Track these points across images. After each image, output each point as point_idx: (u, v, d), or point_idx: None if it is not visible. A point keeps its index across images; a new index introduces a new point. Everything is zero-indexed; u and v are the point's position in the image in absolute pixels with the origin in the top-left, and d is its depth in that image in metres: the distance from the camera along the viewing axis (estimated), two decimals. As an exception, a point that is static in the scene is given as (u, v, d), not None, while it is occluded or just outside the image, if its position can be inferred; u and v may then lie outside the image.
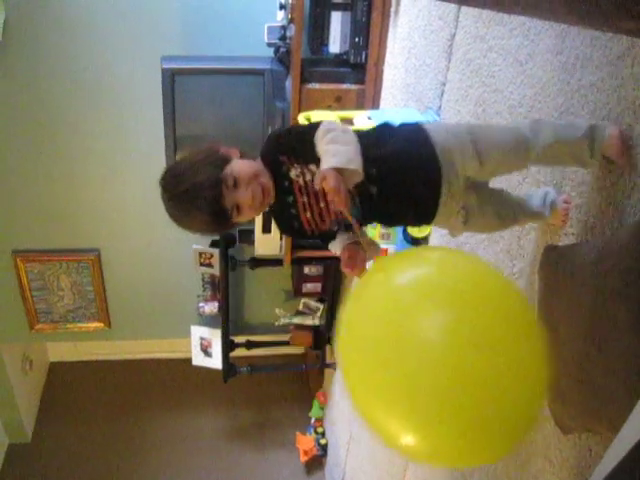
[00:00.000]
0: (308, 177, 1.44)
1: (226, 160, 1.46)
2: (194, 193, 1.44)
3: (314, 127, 1.41)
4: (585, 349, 1.25)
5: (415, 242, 2.82)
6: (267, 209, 1.53)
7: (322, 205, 1.47)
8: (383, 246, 2.88)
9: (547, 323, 1.40)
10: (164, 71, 3.35)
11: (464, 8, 2.28)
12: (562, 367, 1.32)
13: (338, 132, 1.35)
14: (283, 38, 3.41)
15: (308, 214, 1.49)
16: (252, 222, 3.98)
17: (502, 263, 1.97)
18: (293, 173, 1.45)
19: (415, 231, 2.77)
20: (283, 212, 1.52)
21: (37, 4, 3.55)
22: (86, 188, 4.19)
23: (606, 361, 1.19)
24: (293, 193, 1.48)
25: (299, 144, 1.44)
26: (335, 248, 1.53)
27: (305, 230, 1.52)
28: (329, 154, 1.30)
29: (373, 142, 1.44)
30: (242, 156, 1.50)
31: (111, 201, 4.26)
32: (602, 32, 1.42)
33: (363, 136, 1.43)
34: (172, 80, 3.38)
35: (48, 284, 4.52)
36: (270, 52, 3.53)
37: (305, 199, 1.47)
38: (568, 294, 1.31)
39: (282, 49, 3.47)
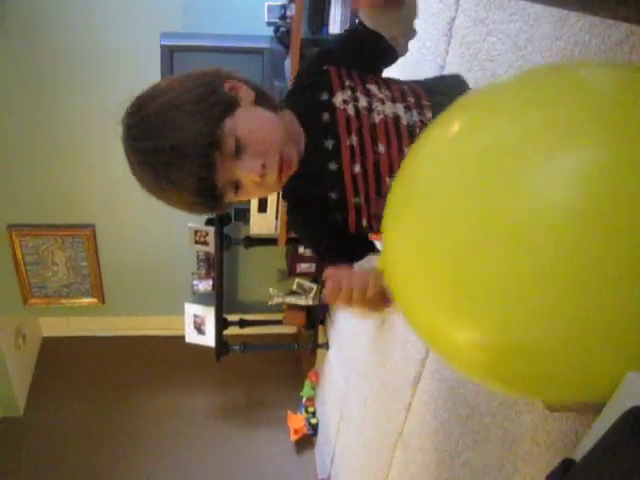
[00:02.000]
0: (363, 103, 1.04)
1: (230, 106, 0.99)
2: (171, 159, 0.97)
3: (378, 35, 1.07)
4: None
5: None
6: (281, 190, 1.09)
7: (382, 149, 1.04)
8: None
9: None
10: (163, 48, 3.33)
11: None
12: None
13: None
14: (283, 17, 3.39)
15: (357, 168, 1.03)
16: (248, 202, 3.99)
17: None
18: (339, 98, 1.03)
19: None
20: (311, 182, 1.06)
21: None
22: (82, 163, 4.18)
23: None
24: (336, 132, 1.01)
25: (357, 49, 1.09)
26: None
27: (348, 214, 1.07)
28: None
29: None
30: (257, 100, 1.04)
31: (107, 177, 4.24)
32: (601, 18, 1.42)
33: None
34: (171, 57, 3.37)
35: (42, 258, 4.52)
36: (270, 31, 3.52)
37: (355, 140, 1.01)
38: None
39: (282, 28, 3.46)
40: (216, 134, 0.96)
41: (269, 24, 3.49)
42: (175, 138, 0.95)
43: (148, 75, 3.67)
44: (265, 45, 3.47)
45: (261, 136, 1.00)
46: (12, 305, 4.73)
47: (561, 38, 1.60)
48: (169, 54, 3.35)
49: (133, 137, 1.01)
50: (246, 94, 1.04)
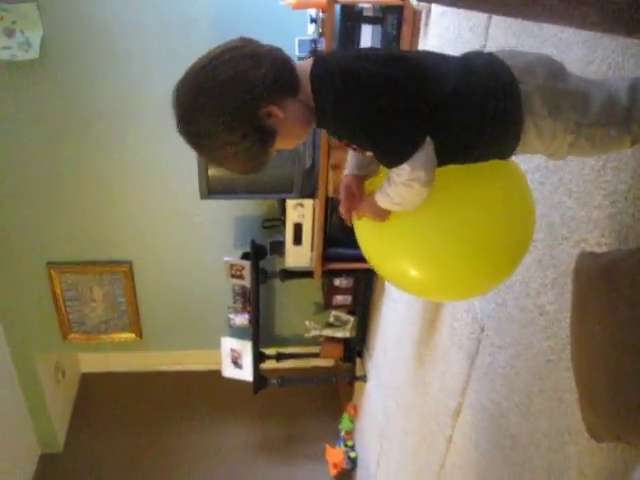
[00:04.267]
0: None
1: (272, 137, 1.21)
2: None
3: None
4: (620, 358, 1.23)
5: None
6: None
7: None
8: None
9: (581, 331, 1.39)
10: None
11: (494, 20, 2.28)
12: (596, 376, 1.31)
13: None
14: (314, 51, 3.43)
15: None
16: (283, 234, 4.01)
17: (534, 273, 1.96)
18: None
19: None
20: None
21: (73, 23, 3.62)
22: (119, 200, 4.25)
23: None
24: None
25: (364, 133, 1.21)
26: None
27: None
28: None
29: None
30: (283, 97, 1.20)
31: (144, 213, 4.32)
32: (633, 40, 1.41)
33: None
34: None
35: (81, 295, 4.59)
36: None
37: None
38: (603, 301, 1.29)
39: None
40: (265, 162, 1.27)
41: (300, 59, 3.52)
42: (231, 167, 1.29)
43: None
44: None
45: (295, 145, 1.30)
46: (52, 341, 4.79)
47: (594, 61, 1.59)
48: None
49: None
50: (278, 111, 1.20)
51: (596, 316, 1.34)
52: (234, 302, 4.66)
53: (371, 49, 1.36)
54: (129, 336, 4.82)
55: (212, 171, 3.64)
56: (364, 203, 1.38)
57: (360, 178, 1.43)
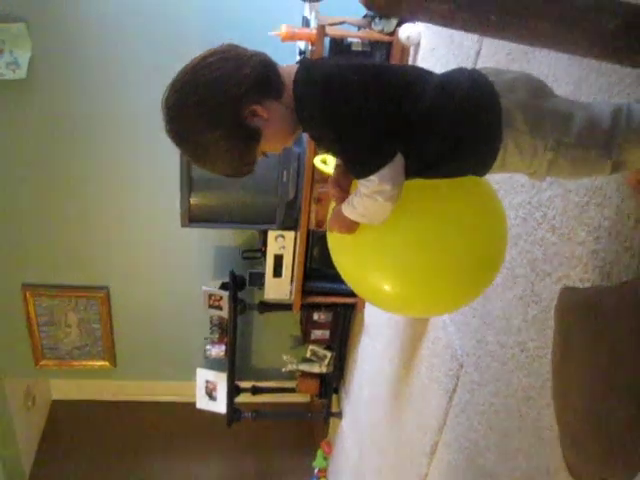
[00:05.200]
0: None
1: (256, 138, 1.23)
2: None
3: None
4: (602, 396, 1.21)
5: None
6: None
7: None
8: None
9: (563, 368, 1.37)
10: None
11: (482, 57, 2.30)
12: (576, 414, 1.29)
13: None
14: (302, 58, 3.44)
15: None
16: (263, 265, 3.98)
17: (515, 310, 1.94)
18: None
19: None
20: None
21: (61, 44, 3.61)
22: (99, 225, 4.20)
23: (625, 409, 1.16)
24: None
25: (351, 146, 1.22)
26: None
27: None
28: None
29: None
30: (267, 98, 1.21)
31: (123, 239, 4.27)
32: (618, 78, 1.42)
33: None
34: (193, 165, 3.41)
35: (56, 319, 4.50)
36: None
37: None
38: (587, 337, 1.28)
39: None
40: (250, 164, 1.27)
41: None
42: (214, 168, 1.27)
43: (166, 139, 3.75)
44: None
45: (280, 147, 1.30)
46: (23, 366, 4.69)
47: (580, 98, 1.60)
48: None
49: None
50: (262, 111, 1.21)
51: (579, 353, 1.32)
52: (211, 333, 4.60)
53: (358, 61, 1.36)
54: (103, 364, 4.73)
55: (194, 199, 3.62)
56: (332, 214, 1.39)
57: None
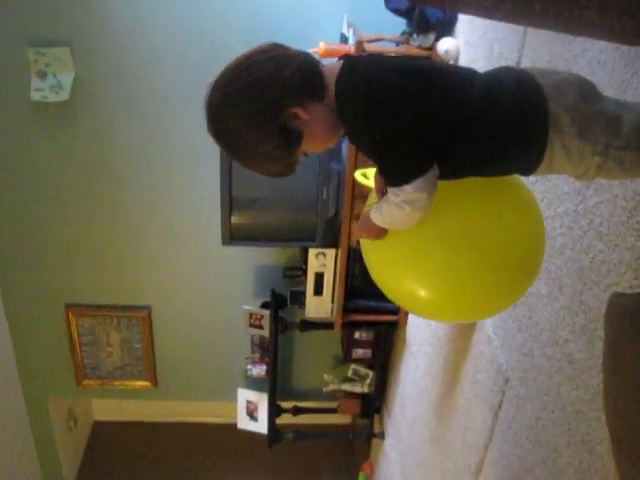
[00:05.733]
0: None
1: (298, 138, 1.22)
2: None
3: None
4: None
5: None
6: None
7: None
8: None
9: (615, 376, 1.32)
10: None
11: (522, 65, 2.27)
12: (630, 422, 1.24)
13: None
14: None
15: None
16: (304, 284, 3.97)
17: (562, 321, 1.89)
18: None
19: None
20: None
21: (104, 68, 3.69)
22: (141, 245, 4.25)
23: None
24: None
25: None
26: None
27: None
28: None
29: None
30: (311, 101, 1.20)
31: (165, 259, 4.31)
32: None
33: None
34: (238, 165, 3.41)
35: (98, 339, 4.55)
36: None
37: None
38: (637, 344, 1.23)
39: (339, 111, 3.50)
40: (292, 165, 1.27)
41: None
42: (256, 167, 1.27)
43: (208, 158, 3.80)
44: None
45: (323, 148, 1.29)
46: (66, 386, 4.74)
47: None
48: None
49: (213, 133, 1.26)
50: (303, 114, 1.20)
51: (632, 359, 1.28)
52: (252, 352, 4.60)
53: (403, 60, 1.33)
54: (144, 384, 4.75)
55: (235, 218, 3.63)
56: (360, 220, 1.39)
57: None
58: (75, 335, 4.48)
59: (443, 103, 1.18)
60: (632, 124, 1.16)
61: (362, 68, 1.21)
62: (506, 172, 1.29)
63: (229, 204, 3.59)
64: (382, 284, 1.50)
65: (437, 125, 1.18)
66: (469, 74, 1.26)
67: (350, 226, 3.60)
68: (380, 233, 1.34)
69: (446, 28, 3.10)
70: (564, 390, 1.87)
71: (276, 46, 1.22)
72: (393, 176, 1.21)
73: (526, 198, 1.46)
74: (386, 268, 1.46)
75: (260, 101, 1.17)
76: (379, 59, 1.27)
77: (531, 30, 2.17)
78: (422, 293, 1.42)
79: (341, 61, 1.24)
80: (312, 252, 3.83)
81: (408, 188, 1.17)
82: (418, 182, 1.16)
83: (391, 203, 1.22)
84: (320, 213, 3.64)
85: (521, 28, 2.25)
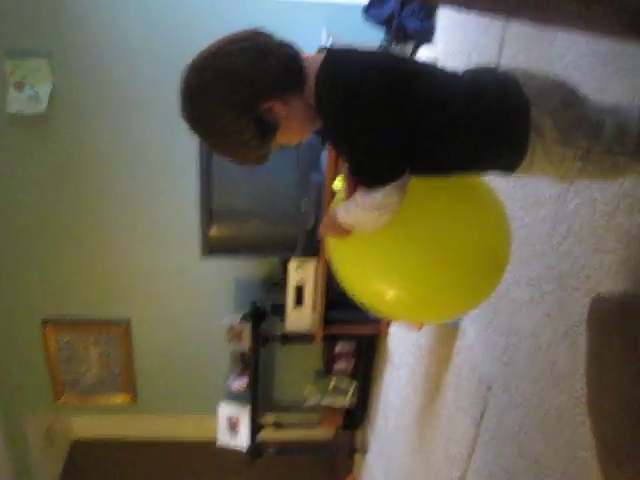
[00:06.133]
0: None
1: (273, 130, 1.20)
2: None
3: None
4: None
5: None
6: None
7: None
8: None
9: (599, 379, 1.31)
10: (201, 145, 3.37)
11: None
12: (618, 426, 1.22)
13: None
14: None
15: None
16: (284, 296, 3.94)
17: (544, 327, 1.88)
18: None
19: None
20: None
21: (82, 79, 3.66)
22: (119, 258, 4.20)
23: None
24: None
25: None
26: None
27: None
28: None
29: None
30: (288, 94, 1.18)
31: (143, 271, 4.26)
32: None
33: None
34: (209, 150, 3.40)
35: (76, 354, 4.47)
36: (306, 125, 3.55)
37: None
38: (623, 345, 1.22)
39: (318, 122, 3.49)
40: (264, 155, 1.25)
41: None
42: (228, 154, 1.25)
43: (186, 169, 3.77)
44: (302, 138, 3.49)
45: (297, 141, 1.28)
46: (44, 402, 4.65)
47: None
48: (207, 150, 3.38)
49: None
50: (280, 107, 1.18)
51: (615, 362, 1.27)
52: (233, 366, 4.55)
53: (387, 56, 1.30)
54: (124, 398, 4.68)
55: (213, 230, 3.60)
56: (326, 218, 1.36)
57: None
58: (53, 350, 4.40)
59: (426, 102, 1.17)
60: (613, 129, 1.16)
61: (344, 64, 1.19)
62: (486, 170, 1.28)
63: (208, 215, 3.55)
64: (347, 283, 1.46)
65: (419, 124, 1.16)
66: (453, 73, 1.25)
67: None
68: (346, 232, 1.31)
69: (424, 37, 3.11)
70: (547, 396, 1.85)
71: (258, 34, 1.21)
72: (365, 178, 1.19)
73: (490, 195, 1.45)
74: (352, 268, 1.43)
75: (237, 92, 1.15)
76: (361, 55, 1.24)
77: (509, 36, 2.18)
78: (389, 292, 1.39)
79: (322, 54, 1.21)
80: (292, 264, 3.81)
81: (379, 192, 1.15)
82: (389, 188, 1.15)
83: (359, 205, 1.20)
84: (300, 224, 3.62)
85: (498, 35, 2.26)
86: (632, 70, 1.48)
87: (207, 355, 4.61)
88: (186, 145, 3.67)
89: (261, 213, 3.65)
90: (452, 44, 2.85)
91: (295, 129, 1.24)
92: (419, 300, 1.42)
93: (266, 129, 1.19)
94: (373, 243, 1.32)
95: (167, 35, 3.59)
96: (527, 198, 2.01)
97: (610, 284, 1.53)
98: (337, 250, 1.43)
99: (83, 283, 4.25)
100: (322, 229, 1.38)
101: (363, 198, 1.18)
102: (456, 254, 1.33)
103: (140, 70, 3.69)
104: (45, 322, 4.32)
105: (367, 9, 3.26)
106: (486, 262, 1.39)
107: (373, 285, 1.41)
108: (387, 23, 3.16)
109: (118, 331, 4.41)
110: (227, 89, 1.15)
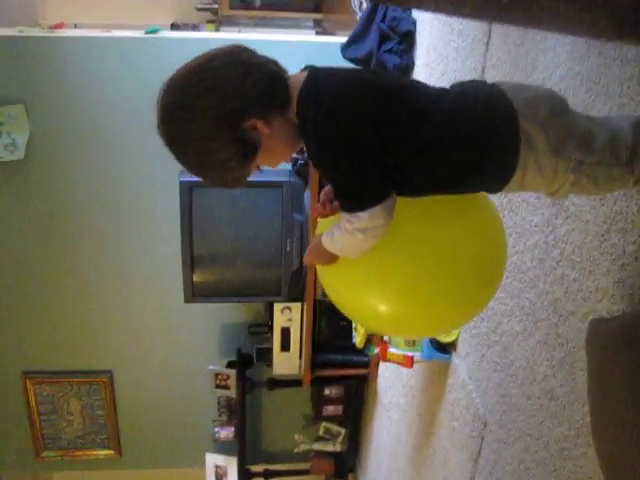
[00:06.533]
0: None
1: (253, 150, 1.15)
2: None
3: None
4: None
5: (442, 348, 2.68)
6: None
7: None
8: (408, 353, 2.74)
9: (602, 404, 1.26)
10: (182, 184, 3.34)
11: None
12: (624, 451, 1.17)
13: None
14: (301, 151, 3.42)
15: None
16: (270, 341, 3.87)
17: (539, 356, 1.83)
18: None
19: (442, 336, 2.63)
20: None
21: (59, 125, 3.64)
22: (99, 307, 4.12)
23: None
24: None
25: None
26: None
27: None
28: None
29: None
30: (271, 113, 1.14)
31: (125, 321, 4.18)
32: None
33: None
34: (190, 193, 3.37)
35: (57, 408, 4.34)
36: (288, 165, 3.54)
37: None
38: (624, 368, 1.17)
39: (300, 162, 3.49)
40: (242, 177, 1.20)
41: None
42: (205, 176, 1.21)
43: (168, 214, 3.73)
44: (284, 178, 3.48)
45: (277, 163, 1.24)
46: (23, 460, 4.50)
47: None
48: (188, 190, 3.35)
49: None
50: (262, 127, 1.13)
51: (618, 385, 1.22)
52: (219, 414, 4.44)
53: (372, 76, 1.25)
54: (107, 453, 4.54)
55: (197, 275, 3.55)
56: (311, 245, 1.31)
57: None
58: (33, 404, 4.26)
59: (411, 123, 1.14)
60: (605, 139, 1.14)
61: (328, 84, 1.15)
62: (475, 189, 1.24)
63: (190, 261, 3.51)
64: (340, 303, 1.43)
65: (404, 144, 1.13)
66: (438, 90, 1.22)
67: (315, 278, 3.53)
68: (331, 259, 1.27)
69: (404, 73, 3.11)
70: (546, 428, 1.79)
71: (242, 50, 1.16)
72: (349, 202, 1.14)
73: (487, 209, 1.42)
74: (343, 287, 1.39)
75: (218, 110, 1.10)
76: (345, 72, 1.20)
77: (490, 63, 2.17)
78: (383, 306, 1.35)
79: (305, 72, 1.18)
80: (277, 307, 3.76)
81: (364, 215, 1.10)
82: (375, 210, 1.10)
83: (343, 230, 1.15)
84: (284, 266, 3.58)
85: (480, 65, 2.25)
86: (616, 91, 1.47)
87: (193, 404, 4.50)
88: (167, 189, 3.64)
89: (244, 256, 3.62)
90: (432, 78, 2.85)
91: (277, 150, 1.20)
92: (414, 313, 1.37)
93: (247, 149, 1.14)
94: (363, 261, 1.26)
95: (144, 79, 3.57)
96: (516, 226, 1.98)
97: (607, 305, 1.49)
98: (327, 270, 1.37)
99: (63, 334, 4.15)
100: (307, 257, 1.33)
101: (346, 222, 1.14)
102: (451, 264, 1.29)
103: (118, 115, 3.67)
104: (25, 374, 4.20)
105: (346, 47, 3.27)
106: (481, 271, 1.35)
107: (366, 301, 1.36)
108: (366, 61, 3.17)
109: (100, 383, 4.29)
110: (210, 104, 1.10)
